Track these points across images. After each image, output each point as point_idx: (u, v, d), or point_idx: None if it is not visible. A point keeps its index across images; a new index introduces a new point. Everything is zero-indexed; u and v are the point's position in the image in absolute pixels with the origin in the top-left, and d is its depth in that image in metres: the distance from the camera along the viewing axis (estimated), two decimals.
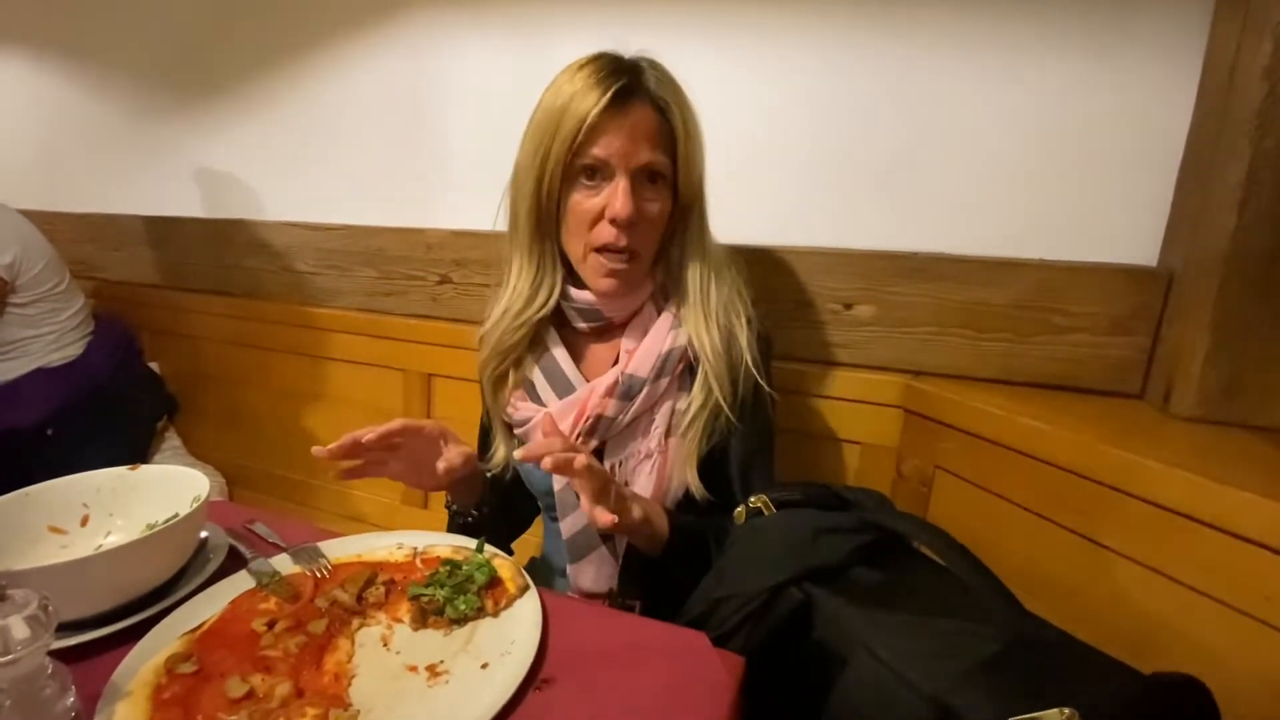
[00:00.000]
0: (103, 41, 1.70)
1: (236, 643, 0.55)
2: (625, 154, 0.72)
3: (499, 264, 1.29)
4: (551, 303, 0.81)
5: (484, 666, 0.55)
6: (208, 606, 0.60)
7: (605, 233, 0.74)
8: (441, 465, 0.77)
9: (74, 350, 1.57)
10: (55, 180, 1.86)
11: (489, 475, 0.89)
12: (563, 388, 0.82)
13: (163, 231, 1.71)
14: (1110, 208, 0.96)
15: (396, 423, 0.74)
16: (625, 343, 0.81)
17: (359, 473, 0.74)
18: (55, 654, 0.48)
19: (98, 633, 0.56)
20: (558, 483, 0.81)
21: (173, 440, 1.74)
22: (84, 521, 0.68)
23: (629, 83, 0.72)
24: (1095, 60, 0.93)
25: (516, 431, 0.86)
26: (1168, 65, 0.90)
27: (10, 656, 0.43)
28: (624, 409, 0.78)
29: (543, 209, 0.76)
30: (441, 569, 0.65)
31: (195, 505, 0.64)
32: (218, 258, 1.63)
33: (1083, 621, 0.57)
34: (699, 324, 0.78)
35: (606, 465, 0.80)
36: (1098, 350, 0.96)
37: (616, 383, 0.78)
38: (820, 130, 1.07)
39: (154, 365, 1.74)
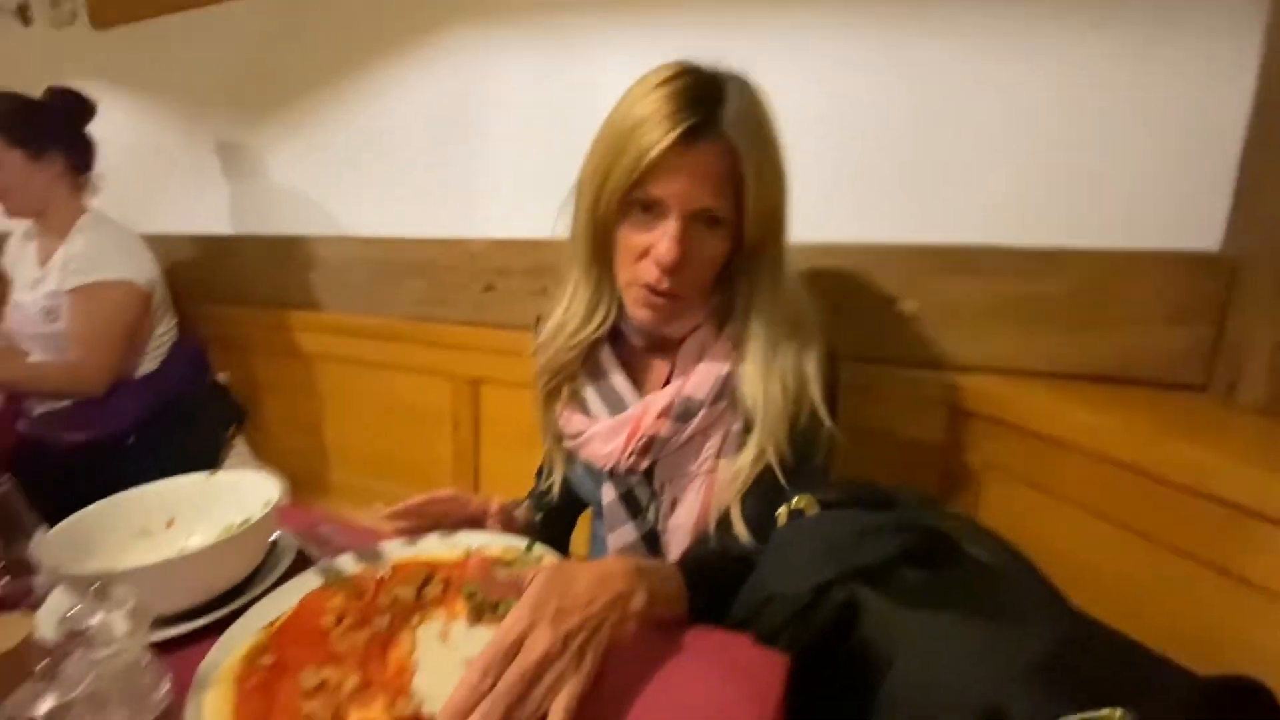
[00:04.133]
0: (162, 75, 1.81)
1: (308, 637, 0.59)
2: (683, 196, 0.67)
3: (540, 271, 1.34)
4: (608, 324, 0.80)
5: None
6: (280, 603, 0.64)
7: (648, 272, 0.71)
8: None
9: (153, 364, 1.67)
10: (127, 205, 1.99)
11: (540, 504, 0.92)
12: (615, 404, 0.81)
13: (225, 250, 1.81)
14: (1170, 191, 0.92)
15: (447, 491, 0.78)
16: (681, 361, 0.79)
17: (407, 531, 0.76)
18: (150, 647, 0.53)
19: (185, 628, 0.60)
20: (606, 495, 0.83)
21: (241, 448, 1.84)
22: (169, 524, 0.74)
23: (703, 120, 0.65)
24: (1151, 38, 0.89)
25: (567, 444, 0.86)
26: (1228, 40, 0.86)
27: (113, 649, 0.48)
28: (679, 430, 0.76)
29: (598, 231, 0.74)
30: (494, 569, 0.68)
31: (267, 510, 0.68)
32: (277, 273, 1.72)
33: (1139, 624, 0.55)
34: (756, 382, 0.74)
35: (656, 484, 0.81)
36: (1157, 341, 0.92)
37: (672, 404, 0.76)
38: (863, 123, 1.06)
39: (222, 377, 1.84)
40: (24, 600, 0.50)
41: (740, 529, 0.73)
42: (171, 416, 1.64)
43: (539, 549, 0.71)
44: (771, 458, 0.73)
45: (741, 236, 0.72)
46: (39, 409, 1.55)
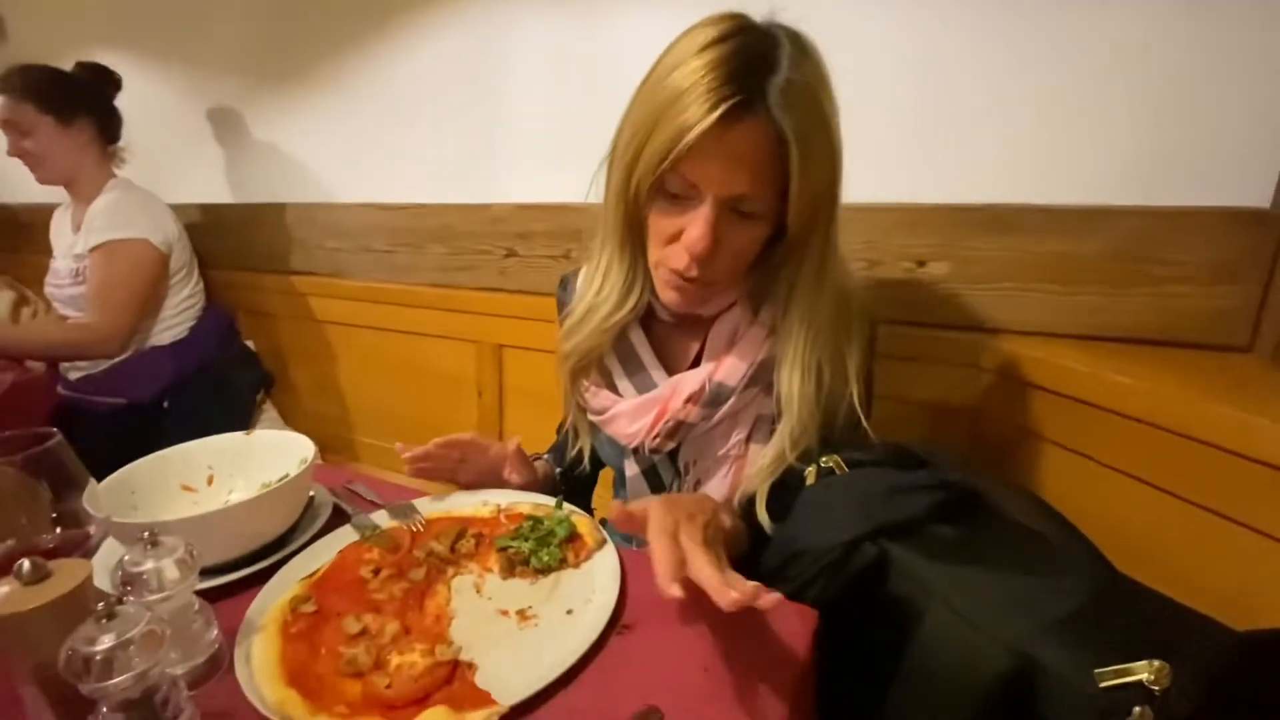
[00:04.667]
0: (184, 43, 1.80)
1: (348, 587, 0.61)
2: (718, 182, 0.61)
3: (563, 236, 1.33)
4: (641, 305, 0.76)
5: (569, 612, 0.59)
6: (319, 556, 0.66)
7: (677, 257, 0.66)
8: (509, 480, 0.81)
9: (182, 331, 1.70)
10: (153, 173, 2.00)
11: (561, 469, 0.92)
12: (643, 383, 0.78)
13: (247, 218, 1.82)
14: (1217, 147, 0.88)
15: (467, 435, 0.78)
16: (712, 343, 0.75)
17: (427, 473, 0.79)
18: (198, 594, 0.55)
19: (230, 577, 0.62)
20: (630, 469, 0.82)
21: (270, 412, 1.88)
22: (209, 481, 0.76)
23: (748, 97, 0.57)
24: None
25: (592, 418, 0.84)
26: None
27: (165, 594, 0.50)
28: (708, 415, 0.74)
29: (629, 211, 0.69)
30: (525, 524, 0.69)
31: (303, 466, 0.70)
32: (299, 241, 1.73)
33: (1178, 585, 0.54)
34: (790, 373, 0.70)
35: (681, 464, 0.79)
36: (1201, 301, 0.89)
37: (703, 389, 0.73)
38: (895, 78, 1.02)
39: (250, 344, 1.87)
40: (78, 550, 0.52)
41: (764, 517, 0.69)
42: (203, 382, 1.68)
43: (568, 507, 0.72)
44: (797, 453, 0.70)
45: (784, 221, 0.65)
46: (73, 373, 1.60)
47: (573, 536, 0.68)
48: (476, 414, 1.53)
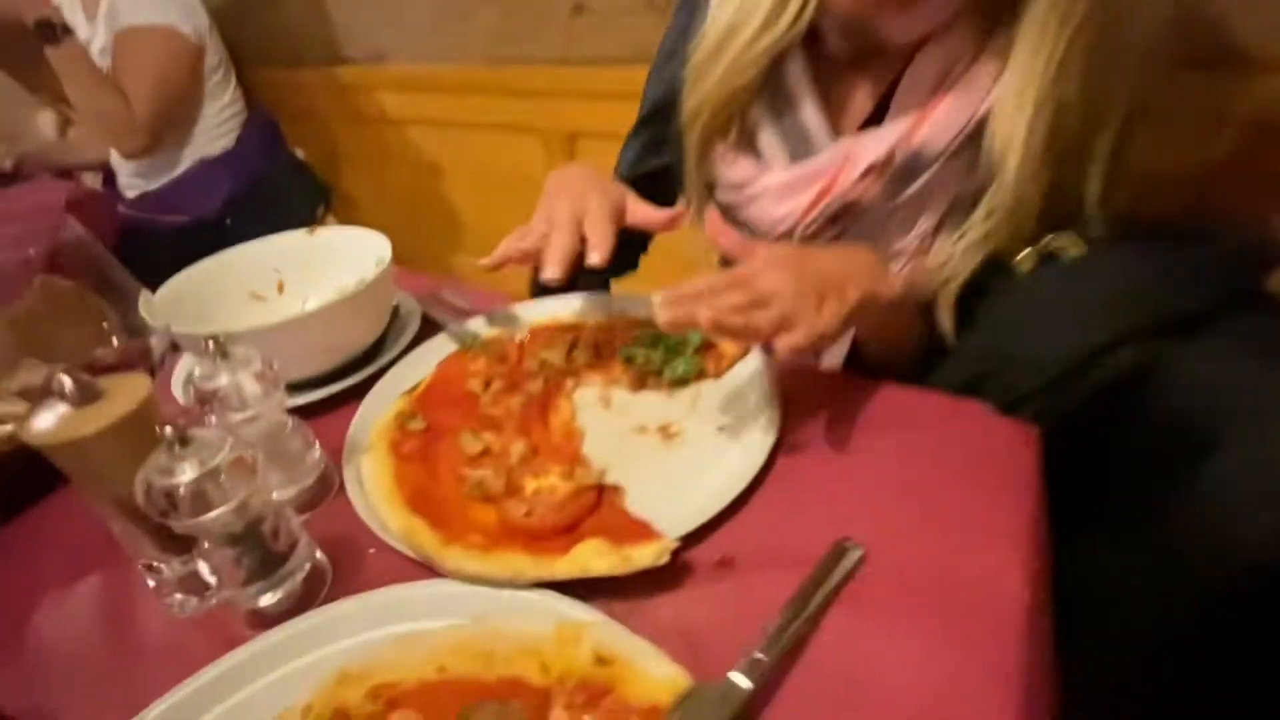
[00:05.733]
0: None
1: (457, 402, 0.52)
2: None
3: None
4: (803, 23, 0.53)
5: (720, 429, 0.49)
6: (417, 369, 0.57)
7: None
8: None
9: (228, 140, 1.57)
10: None
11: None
12: (800, 146, 0.58)
13: (267, 1, 1.56)
14: None
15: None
16: (910, 85, 0.53)
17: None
18: (293, 413, 0.47)
19: (320, 393, 0.55)
20: None
21: (333, 226, 1.79)
22: (280, 288, 0.67)
23: None
24: None
25: (722, 197, 0.64)
26: None
27: (250, 413, 0.41)
28: (892, 195, 0.54)
29: None
30: (646, 331, 0.57)
31: (381, 268, 0.58)
32: (328, 21, 1.48)
33: None
34: (1016, 119, 0.48)
35: None
36: None
37: (892, 157, 0.53)
38: None
39: (299, 152, 1.73)
40: (141, 363, 0.44)
41: (947, 324, 0.53)
42: (261, 196, 1.60)
43: None
44: (1003, 238, 0.51)
45: None
46: (130, 191, 1.53)
47: (706, 344, 0.56)
48: None
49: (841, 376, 0.57)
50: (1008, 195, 0.50)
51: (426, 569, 0.39)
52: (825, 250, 0.50)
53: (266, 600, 0.38)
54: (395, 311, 0.66)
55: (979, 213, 0.52)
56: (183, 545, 0.39)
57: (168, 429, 0.33)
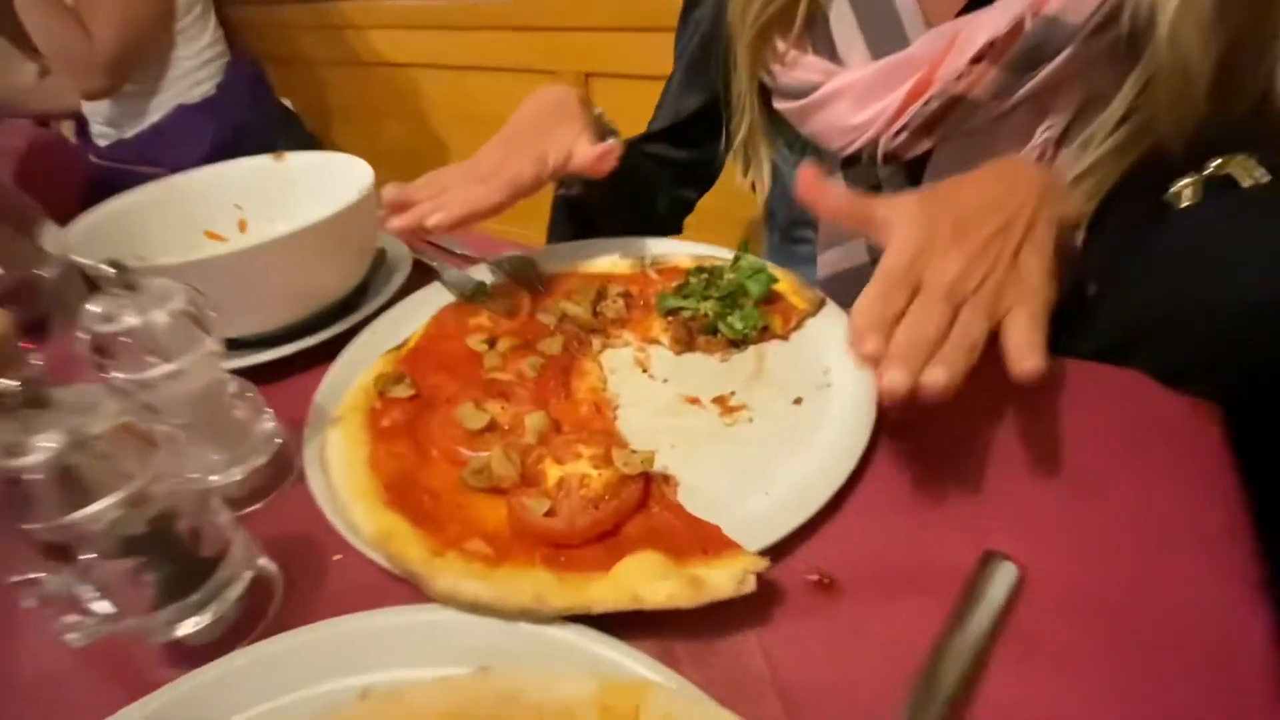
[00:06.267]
0: None
1: (454, 363, 0.40)
2: None
3: None
4: None
5: (797, 402, 0.37)
6: (406, 324, 0.46)
7: None
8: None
9: (209, 87, 1.45)
10: None
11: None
12: (885, 32, 0.46)
13: None
14: None
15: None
16: None
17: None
18: (241, 375, 0.36)
19: (281, 351, 0.44)
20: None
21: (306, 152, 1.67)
22: (242, 227, 0.55)
23: None
24: None
25: (783, 107, 0.52)
26: None
27: (169, 367, 0.30)
28: (1011, 87, 0.42)
29: None
30: (694, 278, 0.46)
31: (364, 194, 0.46)
32: None
33: None
34: None
35: (925, 185, 0.48)
36: None
37: (1019, 30, 0.40)
38: None
39: (287, 102, 1.60)
40: (26, 300, 0.33)
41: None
42: (244, 149, 1.45)
43: (752, 260, 0.47)
44: (1155, 138, 0.40)
45: None
46: (102, 140, 1.41)
47: (771, 296, 0.44)
48: None
49: None
50: (1165, 69, 0.37)
51: (409, 587, 0.28)
52: (965, 180, 0.36)
53: (187, 628, 0.27)
54: (381, 258, 0.55)
55: (1125, 91, 0.40)
56: (64, 556, 0.28)
57: (9, 385, 0.21)
